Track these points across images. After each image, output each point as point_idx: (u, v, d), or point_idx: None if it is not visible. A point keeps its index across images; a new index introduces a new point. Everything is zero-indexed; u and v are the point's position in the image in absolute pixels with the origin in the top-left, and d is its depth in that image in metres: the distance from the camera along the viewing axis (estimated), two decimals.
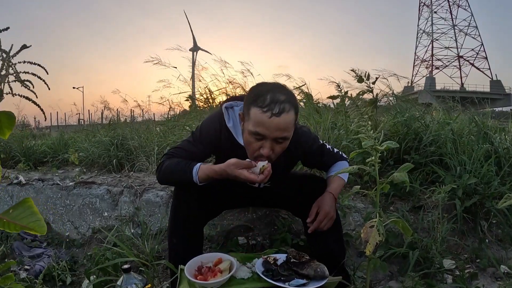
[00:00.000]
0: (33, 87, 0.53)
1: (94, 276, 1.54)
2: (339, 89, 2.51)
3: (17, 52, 0.50)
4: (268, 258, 1.23)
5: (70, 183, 2.29)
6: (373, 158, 1.05)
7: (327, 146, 1.45)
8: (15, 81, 0.51)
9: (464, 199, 1.79)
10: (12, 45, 0.50)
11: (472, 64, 48.24)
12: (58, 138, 3.63)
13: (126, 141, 2.95)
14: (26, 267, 1.80)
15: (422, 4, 51.08)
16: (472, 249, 1.74)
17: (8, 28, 0.49)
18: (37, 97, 0.54)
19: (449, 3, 49.18)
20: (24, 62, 0.51)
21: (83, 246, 2.03)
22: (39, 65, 0.52)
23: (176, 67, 4.25)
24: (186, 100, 4.34)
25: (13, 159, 3.22)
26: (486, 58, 47.75)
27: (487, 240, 1.78)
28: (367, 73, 2.32)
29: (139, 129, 3.39)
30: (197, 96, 4.38)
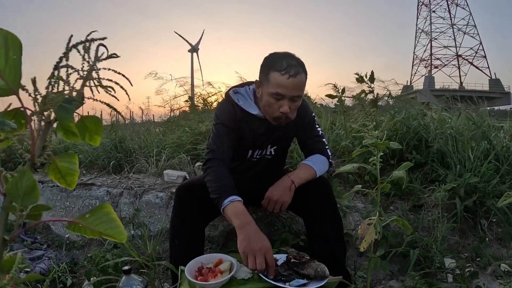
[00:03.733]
0: (115, 92, 0.51)
1: (95, 278, 1.54)
2: (336, 89, 2.52)
3: (105, 58, 0.49)
4: None
5: None
6: (374, 158, 1.06)
7: (318, 128, 1.53)
8: (96, 85, 0.49)
9: (464, 198, 1.79)
10: (98, 47, 0.48)
11: (471, 63, 48.26)
12: (57, 140, 3.62)
13: (126, 143, 2.95)
14: (26, 269, 1.80)
15: (421, 3, 51.13)
16: (472, 247, 1.74)
17: (105, 38, 0.48)
18: (118, 100, 0.53)
19: (447, 2, 49.25)
20: (109, 69, 0.50)
21: (83, 247, 2.02)
22: (123, 75, 0.51)
23: (171, 75, 4.35)
24: (185, 101, 4.35)
25: (13, 161, 3.22)
26: (485, 56, 47.80)
27: (487, 239, 1.78)
28: (366, 73, 2.32)
29: (139, 130, 3.39)
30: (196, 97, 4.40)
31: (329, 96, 2.57)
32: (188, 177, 2.28)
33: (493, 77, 45.86)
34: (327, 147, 1.51)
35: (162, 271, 1.72)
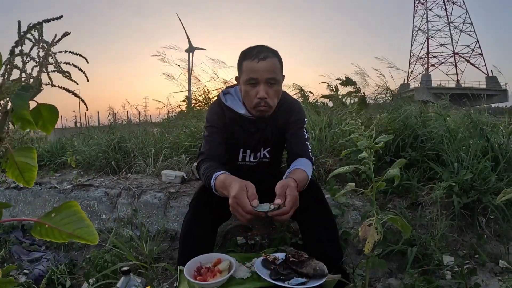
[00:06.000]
0: (71, 77, 0.50)
1: (94, 279, 1.54)
2: (330, 88, 2.56)
3: (58, 40, 0.47)
4: (268, 257, 1.22)
5: (68, 186, 2.28)
6: (366, 156, 1.05)
7: (305, 133, 1.53)
8: (54, 71, 0.48)
9: (461, 196, 1.79)
10: (56, 34, 0.47)
11: (468, 61, 48.33)
12: (55, 141, 3.61)
13: (124, 143, 2.95)
14: (25, 271, 1.79)
15: (417, 1, 51.20)
16: (470, 245, 1.75)
17: (61, 16, 0.46)
18: (77, 84, 0.52)
19: (444, 0, 49.32)
20: (65, 52, 0.48)
21: (82, 249, 2.02)
22: (80, 55, 0.49)
23: (179, 65, 4.31)
24: (183, 101, 4.34)
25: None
26: (481, 54, 47.88)
27: (485, 236, 1.79)
28: (347, 78, 2.44)
29: (136, 131, 3.38)
30: (193, 96, 4.39)
31: (324, 96, 2.63)
32: (186, 177, 2.28)
33: (490, 74, 45.95)
34: (310, 150, 1.51)
35: (161, 272, 1.72)
